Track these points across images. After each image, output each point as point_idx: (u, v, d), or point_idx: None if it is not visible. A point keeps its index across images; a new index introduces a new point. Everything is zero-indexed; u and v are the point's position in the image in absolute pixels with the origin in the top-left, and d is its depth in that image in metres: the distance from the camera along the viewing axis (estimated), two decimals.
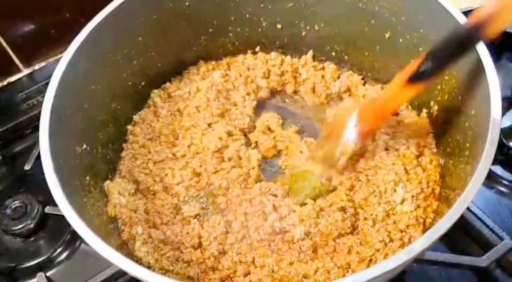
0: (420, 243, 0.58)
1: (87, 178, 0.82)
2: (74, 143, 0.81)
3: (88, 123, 0.85)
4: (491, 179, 0.97)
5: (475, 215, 0.88)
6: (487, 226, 0.86)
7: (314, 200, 0.85)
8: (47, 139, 0.71)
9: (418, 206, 0.82)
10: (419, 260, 0.83)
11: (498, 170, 0.97)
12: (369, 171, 0.87)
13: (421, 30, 0.84)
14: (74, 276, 0.90)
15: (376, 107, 0.83)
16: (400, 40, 0.89)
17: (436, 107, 0.88)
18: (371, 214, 0.83)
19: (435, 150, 0.89)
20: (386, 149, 0.88)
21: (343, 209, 0.83)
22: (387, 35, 0.91)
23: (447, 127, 0.84)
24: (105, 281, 0.84)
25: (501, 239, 0.84)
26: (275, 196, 0.86)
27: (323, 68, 1.04)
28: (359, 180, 0.87)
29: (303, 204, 0.85)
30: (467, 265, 0.82)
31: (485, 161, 0.64)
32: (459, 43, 0.70)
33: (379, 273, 0.55)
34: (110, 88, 0.90)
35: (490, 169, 0.95)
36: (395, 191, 0.83)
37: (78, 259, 0.94)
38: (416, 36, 0.86)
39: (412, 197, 0.82)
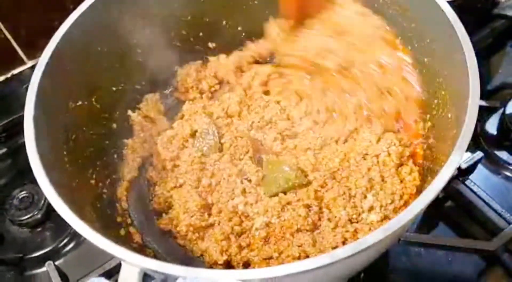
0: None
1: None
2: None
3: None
4: (497, 164, 0.97)
5: (482, 199, 0.88)
6: (495, 211, 0.86)
7: (285, 193, 0.84)
8: (35, 89, 0.73)
9: (385, 217, 0.79)
10: (428, 244, 0.83)
11: (504, 155, 0.97)
12: (343, 172, 0.84)
13: (428, 40, 0.82)
14: (82, 266, 0.90)
15: None
16: (409, 47, 0.87)
17: (429, 123, 0.86)
18: (335, 216, 0.80)
19: (421, 161, 0.86)
20: (365, 154, 0.85)
21: (308, 206, 0.81)
22: (397, 41, 0.89)
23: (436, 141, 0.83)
24: (113, 269, 0.84)
25: (509, 223, 0.84)
26: (249, 181, 0.86)
27: None
28: (334, 178, 0.84)
29: (273, 195, 0.84)
30: (475, 249, 0.82)
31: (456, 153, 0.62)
32: None
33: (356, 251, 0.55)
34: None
35: (496, 154, 0.97)
36: (365, 197, 0.81)
37: (85, 248, 0.94)
38: (422, 46, 0.84)
39: (381, 206, 0.80)
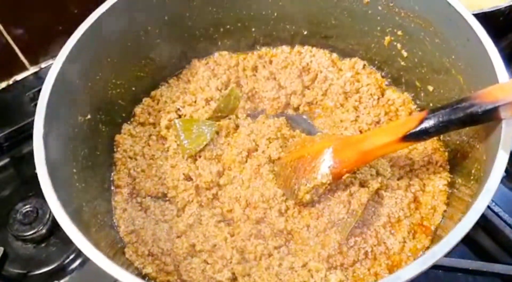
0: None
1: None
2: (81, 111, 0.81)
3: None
4: None
5: (504, 220, 0.85)
6: None
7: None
8: (44, 105, 0.71)
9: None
10: (449, 268, 0.80)
11: None
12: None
13: (453, 57, 0.79)
14: None
15: (359, 150, 0.75)
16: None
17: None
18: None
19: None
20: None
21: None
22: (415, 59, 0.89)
23: None
24: None
25: None
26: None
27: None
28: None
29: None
30: (499, 274, 0.79)
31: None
32: (470, 117, 0.64)
33: None
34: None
35: None
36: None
37: (91, 266, 0.89)
38: (447, 62, 0.81)
39: None
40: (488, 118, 0.64)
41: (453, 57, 0.79)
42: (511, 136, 0.62)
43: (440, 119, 0.66)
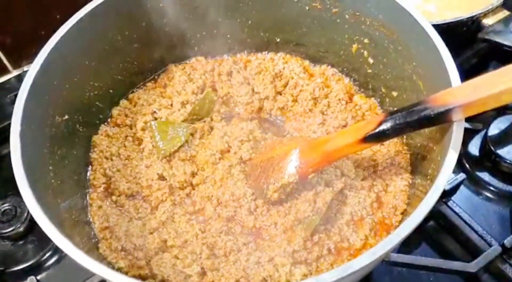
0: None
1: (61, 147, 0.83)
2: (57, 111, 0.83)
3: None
4: (479, 185, 0.98)
5: (464, 221, 0.89)
6: (476, 232, 0.88)
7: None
8: (22, 104, 0.73)
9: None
10: (410, 265, 0.84)
11: (486, 176, 0.98)
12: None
13: (414, 63, 0.84)
14: (64, 281, 0.89)
15: (323, 151, 0.79)
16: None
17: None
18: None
19: None
20: None
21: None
22: (381, 66, 0.93)
23: None
24: None
25: (490, 245, 0.86)
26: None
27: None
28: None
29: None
30: (457, 271, 0.83)
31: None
32: (424, 119, 0.67)
33: (345, 274, 0.56)
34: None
35: (478, 176, 0.99)
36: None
37: (68, 263, 0.93)
38: (409, 68, 0.85)
39: None
40: (440, 120, 0.68)
41: (414, 64, 0.83)
42: (461, 137, 0.66)
43: (397, 121, 0.70)
